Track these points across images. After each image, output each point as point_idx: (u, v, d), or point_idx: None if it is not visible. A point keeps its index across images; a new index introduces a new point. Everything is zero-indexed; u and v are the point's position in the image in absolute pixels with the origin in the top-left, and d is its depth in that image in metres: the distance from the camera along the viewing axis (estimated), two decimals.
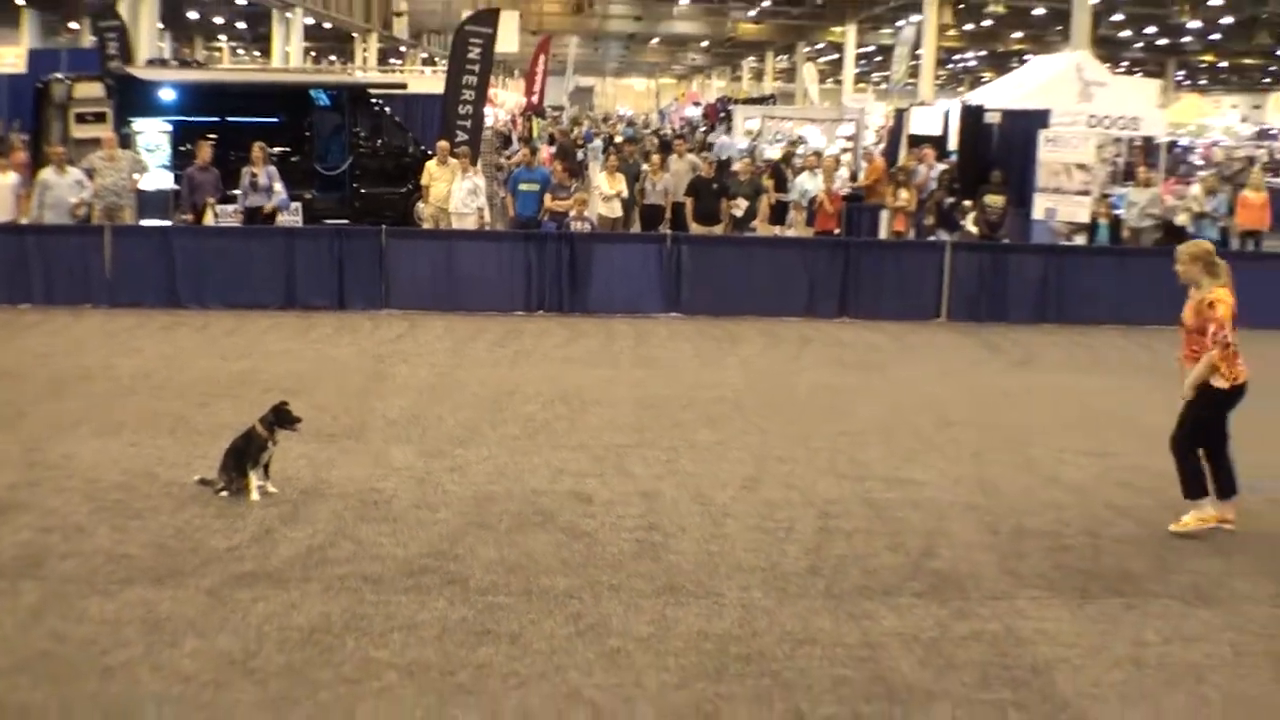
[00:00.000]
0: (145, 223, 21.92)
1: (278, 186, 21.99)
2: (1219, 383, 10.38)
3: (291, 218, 22.37)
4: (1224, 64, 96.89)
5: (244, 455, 10.86)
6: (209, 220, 21.63)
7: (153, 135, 24.18)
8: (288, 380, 15.17)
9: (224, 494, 10.77)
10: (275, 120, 26.29)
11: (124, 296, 19.93)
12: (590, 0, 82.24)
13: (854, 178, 31.91)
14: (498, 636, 8.14)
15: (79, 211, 20.74)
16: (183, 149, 23.76)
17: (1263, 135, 52.58)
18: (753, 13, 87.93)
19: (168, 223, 22.23)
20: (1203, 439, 10.57)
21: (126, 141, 23.20)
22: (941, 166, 27.27)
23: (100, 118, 25.01)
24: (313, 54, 71.20)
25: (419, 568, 9.27)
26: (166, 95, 25.81)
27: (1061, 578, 9.52)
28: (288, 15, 58.33)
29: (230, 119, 25.78)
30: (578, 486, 11.40)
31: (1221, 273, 10.53)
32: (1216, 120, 59.63)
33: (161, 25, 46.05)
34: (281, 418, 11.00)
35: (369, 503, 10.76)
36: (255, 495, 10.73)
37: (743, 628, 8.39)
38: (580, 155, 38.65)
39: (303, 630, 8.15)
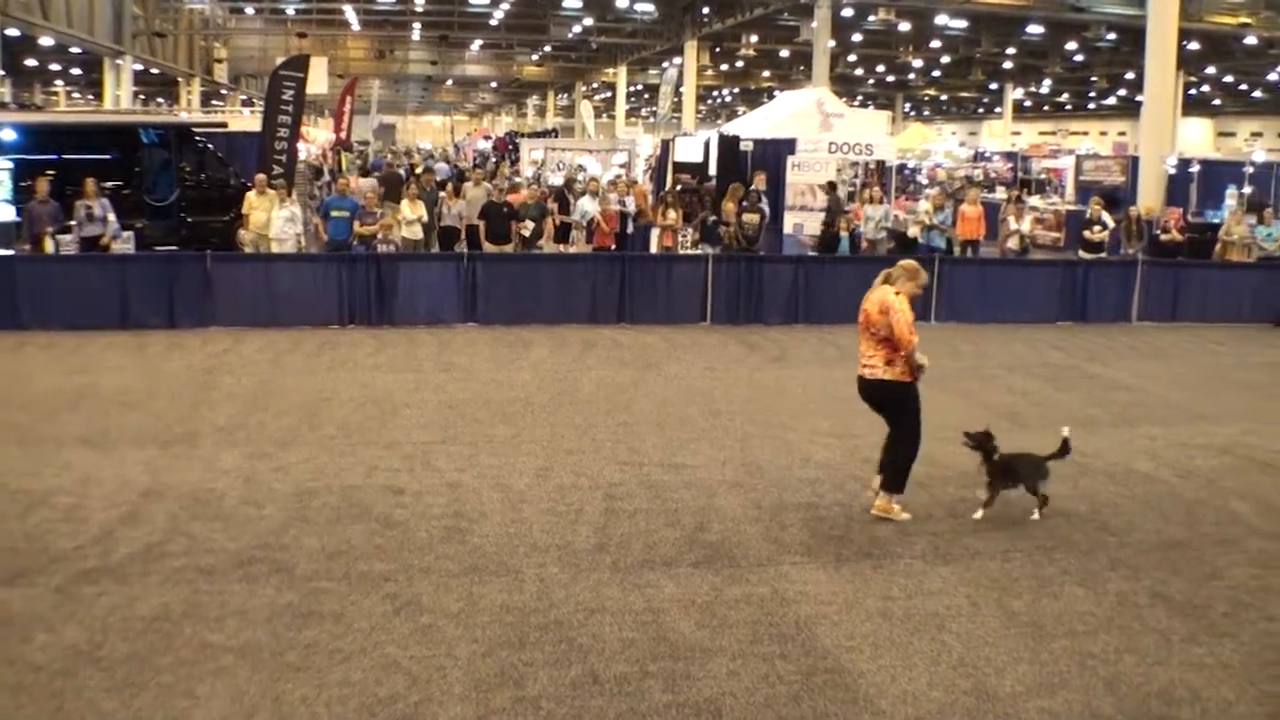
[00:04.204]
0: None
1: (110, 217, 21.43)
2: (906, 377, 10.50)
3: (124, 245, 21.79)
4: (944, 97, 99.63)
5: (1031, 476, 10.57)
6: (48, 249, 20.98)
7: None
8: (125, 393, 14.80)
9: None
10: (108, 157, 25.49)
11: None
12: (391, 47, 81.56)
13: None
14: (322, 617, 8.04)
15: None
16: (23, 184, 23.00)
17: (978, 157, 53.82)
18: (535, 57, 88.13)
19: (10, 251, 21.49)
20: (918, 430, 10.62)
21: None
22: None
23: None
24: (141, 97, 69.27)
25: (248, 559, 9.11)
26: (7, 135, 24.89)
27: (818, 544, 9.68)
28: (118, 62, 56.87)
29: (66, 156, 24.98)
30: (390, 481, 11.28)
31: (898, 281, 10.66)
32: (938, 145, 60.88)
33: (2, 71, 44.59)
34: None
35: (201, 502, 10.53)
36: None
37: (541, 600, 8.39)
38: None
39: (144, 620, 7.96)
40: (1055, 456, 10.56)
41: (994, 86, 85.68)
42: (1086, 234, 25.55)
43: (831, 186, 27.01)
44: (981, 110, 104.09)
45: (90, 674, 7.20)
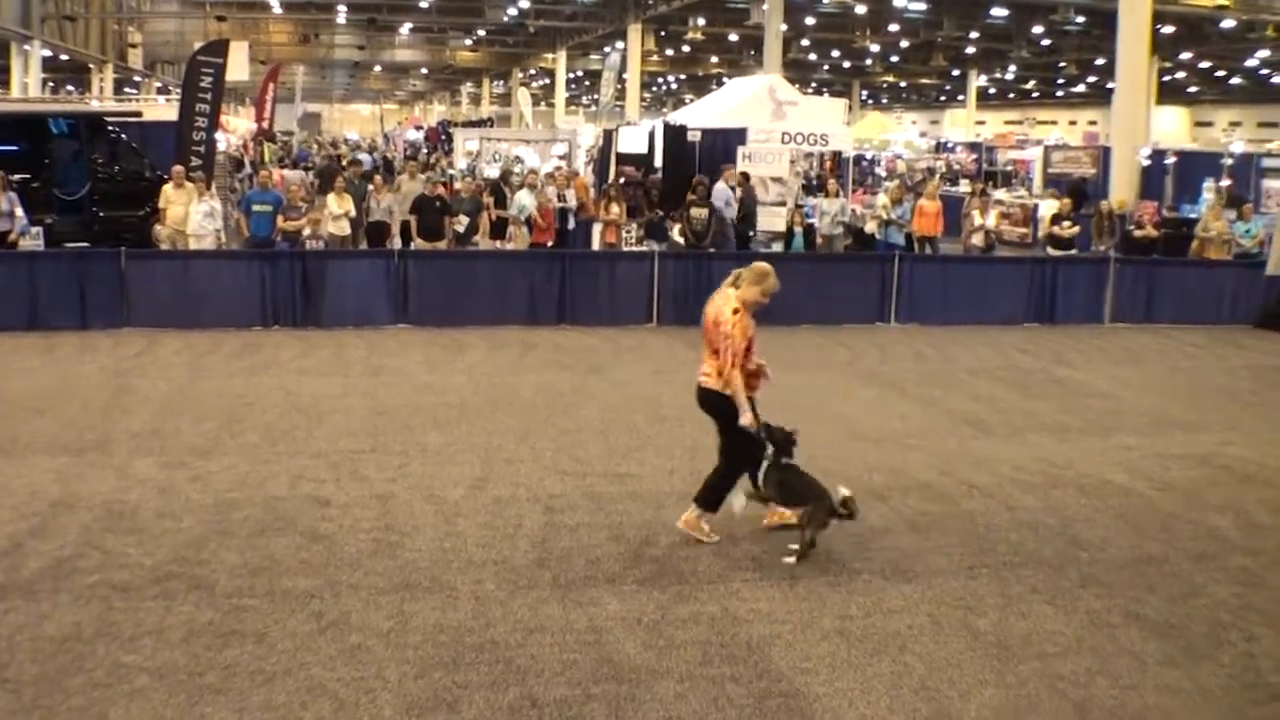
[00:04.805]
0: None
1: (18, 212, 21.22)
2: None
3: (33, 242, 21.63)
4: (904, 84, 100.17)
5: None
6: None
7: None
8: (34, 398, 14.66)
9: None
10: (15, 148, 25.38)
11: None
12: (316, 31, 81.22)
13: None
14: (243, 637, 8.00)
15: None
16: None
17: (940, 148, 54.20)
18: (469, 41, 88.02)
19: None
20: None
21: None
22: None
23: None
24: (51, 84, 68.81)
25: (165, 574, 9.04)
26: None
27: (771, 560, 9.68)
28: (26, 47, 56.51)
29: None
30: (316, 491, 11.23)
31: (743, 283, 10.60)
32: (898, 135, 61.35)
33: None
34: None
35: (115, 514, 10.45)
36: None
37: (476, 619, 8.38)
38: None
39: (54, 639, 7.89)
40: (836, 513, 9.87)
41: (956, 73, 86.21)
42: (1056, 230, 25.69)
43: (745, 177, 26.81)
44: (943, 98, 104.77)
45: None
